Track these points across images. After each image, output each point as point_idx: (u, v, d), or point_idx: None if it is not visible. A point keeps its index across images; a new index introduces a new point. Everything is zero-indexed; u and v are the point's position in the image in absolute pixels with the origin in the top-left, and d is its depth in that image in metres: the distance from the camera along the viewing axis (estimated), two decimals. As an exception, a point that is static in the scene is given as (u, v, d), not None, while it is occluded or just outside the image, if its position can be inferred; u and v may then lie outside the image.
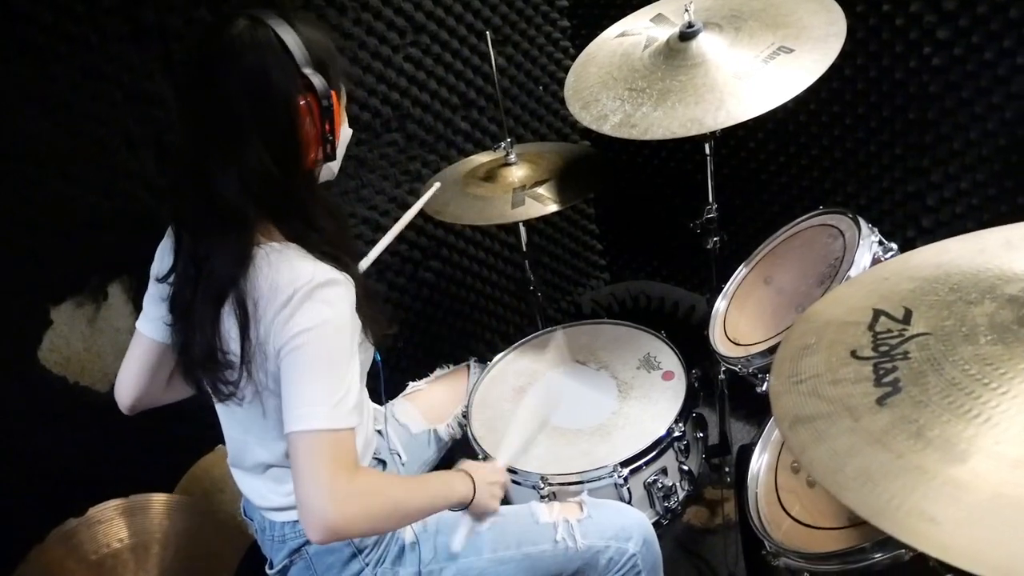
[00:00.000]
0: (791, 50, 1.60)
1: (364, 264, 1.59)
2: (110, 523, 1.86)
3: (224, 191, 1.19)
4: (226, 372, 1.25)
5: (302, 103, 1.18)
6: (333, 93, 1.21)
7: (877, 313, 0.94)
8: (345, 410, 1.18)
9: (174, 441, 2.03)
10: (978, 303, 0.87)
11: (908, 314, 0.91)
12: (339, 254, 1.28)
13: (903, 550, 0.99)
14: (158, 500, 1.93)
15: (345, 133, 1.33)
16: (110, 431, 1.97)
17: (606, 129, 1.71)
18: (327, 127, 1.21)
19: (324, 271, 1.21)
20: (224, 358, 1.25)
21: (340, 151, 1.31)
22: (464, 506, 1.43)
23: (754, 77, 1.58)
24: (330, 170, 1.34)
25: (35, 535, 1.76)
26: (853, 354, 0.89)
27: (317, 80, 1.18)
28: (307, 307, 1.17)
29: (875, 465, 0.73)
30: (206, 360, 1.25)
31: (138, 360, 1.45)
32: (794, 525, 1.20)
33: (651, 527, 1.55)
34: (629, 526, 1.50)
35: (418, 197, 1.89)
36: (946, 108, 1.85)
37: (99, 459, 1.96)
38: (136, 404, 1.48)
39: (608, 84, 1.79)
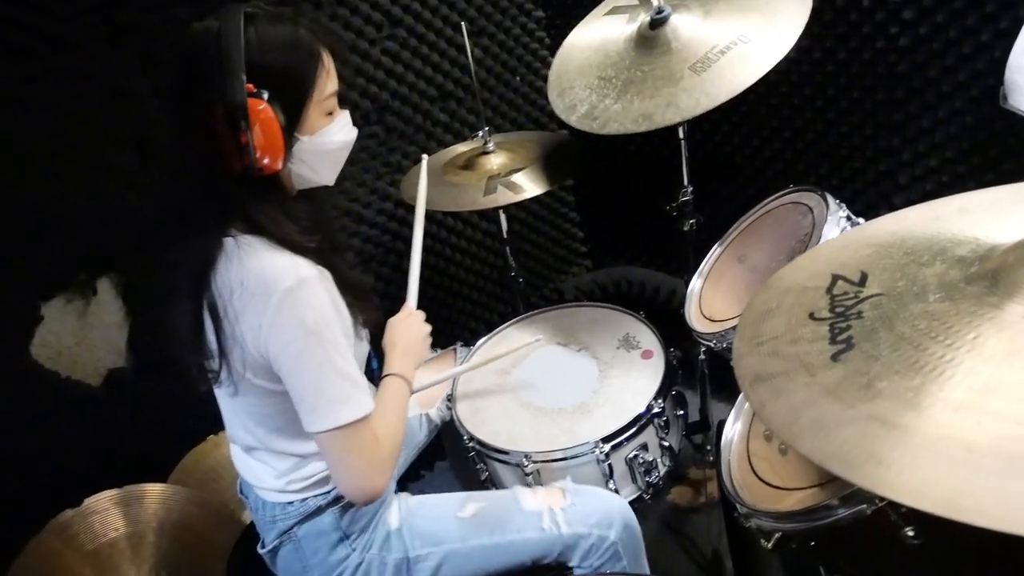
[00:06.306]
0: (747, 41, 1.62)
1: (411, 298, 1.64)
2: (106, 513, 1.89)
3: (183, 193, 1.24)
4: (208, 361, 1.30)
5: (218, 111, 1.13)
6: (265, 103, 1.13)
7: (835, 278, 0.98)
8: (355, 400, 1.24)
9: (166, 433, 2.06)
10: (930, 264, 0.92)
11: (864, 277, 0.95)
12: (311, 245, 1.27)
13: (865, 505, 1.02)
14: (152, 490, 1.97)
15: (325, 139, 1.27)
16: (103, 424, 2.01)
17: (572, 120, 1.73)
18: (243, 138, 1.13)
19: (296, 268, 1.20)
20: (204, 349, 1.29)
21: (314, 157, 1.27)
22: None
23: (710, 69, 1.61)
24: (303, 179, 1.29)
25: (31, 527, 1.79)
26: (811, 316, 0.93)
27: (234, 87, 1.11)
28: (291, 314, 1.18)
29: (828, 415, 0.77)
30: (190, 351, 1.30)
31: None
32: (765, 488, 1.24)
33: (632, 513, 1.56)
34: (611, 513, 1.51)
35: (397, 187, 1.86)
36: (914, 87, 1.88)
37: (93, 452, 1.99)
38: None
39: (584, 70, 1.82)
